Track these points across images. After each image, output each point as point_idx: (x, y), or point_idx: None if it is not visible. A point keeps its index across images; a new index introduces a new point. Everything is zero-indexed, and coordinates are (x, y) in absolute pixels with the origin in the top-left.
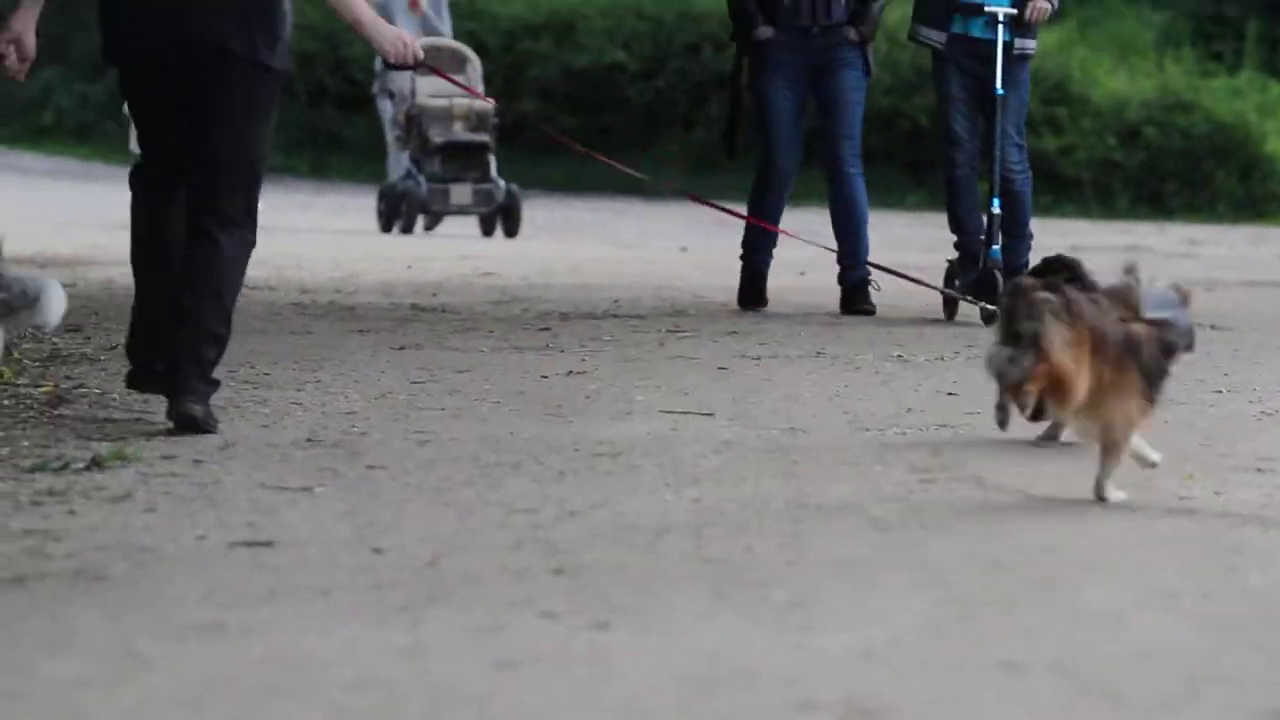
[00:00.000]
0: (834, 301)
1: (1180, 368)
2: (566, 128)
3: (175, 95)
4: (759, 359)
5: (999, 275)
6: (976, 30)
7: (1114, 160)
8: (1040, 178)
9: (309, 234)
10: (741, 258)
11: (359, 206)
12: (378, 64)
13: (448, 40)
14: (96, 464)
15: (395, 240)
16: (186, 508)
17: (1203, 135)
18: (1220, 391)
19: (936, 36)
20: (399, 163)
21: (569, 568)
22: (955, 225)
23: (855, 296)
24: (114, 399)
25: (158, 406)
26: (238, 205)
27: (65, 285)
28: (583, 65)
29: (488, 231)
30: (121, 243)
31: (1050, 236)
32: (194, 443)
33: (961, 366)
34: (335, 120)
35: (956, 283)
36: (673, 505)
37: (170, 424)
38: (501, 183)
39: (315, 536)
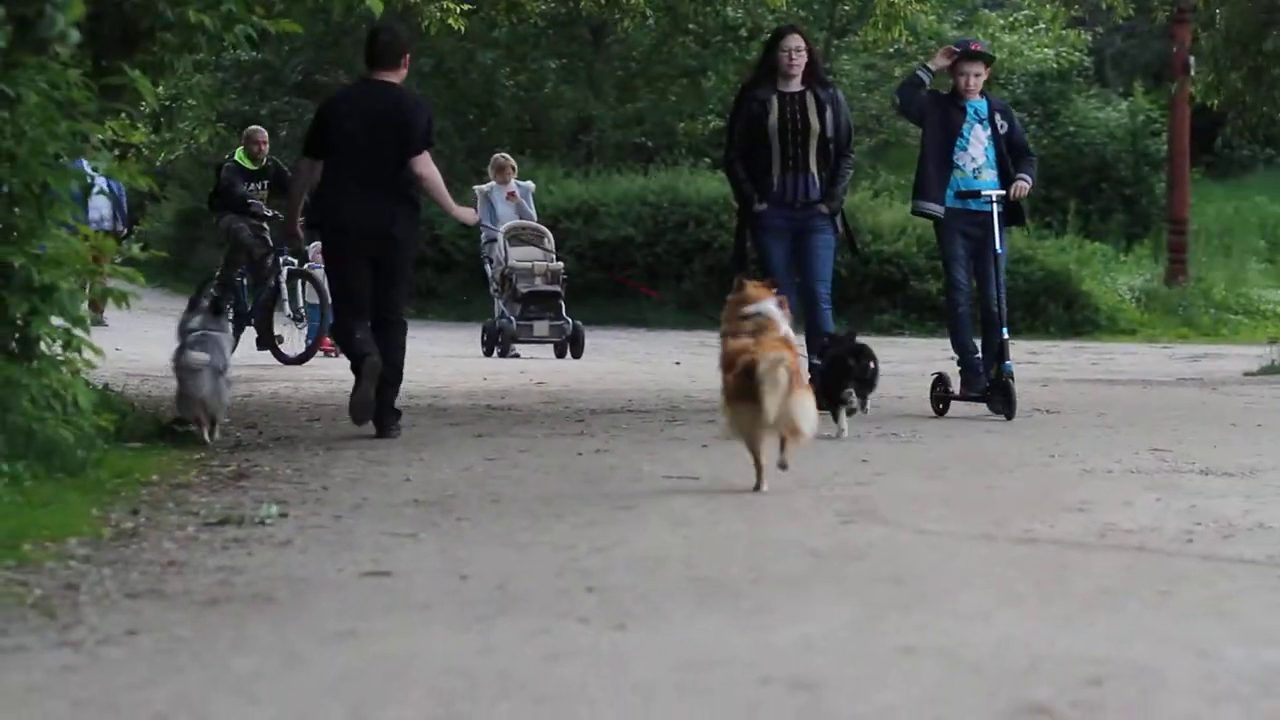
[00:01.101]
0: None
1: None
2: (591, 282)
3: (363, 256)
4: (731, 440)
5: (1012, 384)
6: (975, 205)
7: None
8: (925, 311)
9: (413, 357)
10: None
11: (449, 339)
12: (483, 238)
13: (533, 222)
14: (267, 519)
15: (477, 361)
16: (330, 549)
17: (1039, 279)
18: (1052, 456)
19: (936, 210)
20: (497, 307)
21: (598, 587)
22: (959, 348)
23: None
24: (280, 473)
25: (310, 477)
26: (400, 309)
27: (244, 396)
28: (604, 237)
29: (560, 355)
30: (282, 367)
31: (934, 350)
32: (335, 504)
33: (872, 442)
34: (432, 279)
35: (951, 389)
36: (670, 542)
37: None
38: (570, 320)
39: (420, 568)
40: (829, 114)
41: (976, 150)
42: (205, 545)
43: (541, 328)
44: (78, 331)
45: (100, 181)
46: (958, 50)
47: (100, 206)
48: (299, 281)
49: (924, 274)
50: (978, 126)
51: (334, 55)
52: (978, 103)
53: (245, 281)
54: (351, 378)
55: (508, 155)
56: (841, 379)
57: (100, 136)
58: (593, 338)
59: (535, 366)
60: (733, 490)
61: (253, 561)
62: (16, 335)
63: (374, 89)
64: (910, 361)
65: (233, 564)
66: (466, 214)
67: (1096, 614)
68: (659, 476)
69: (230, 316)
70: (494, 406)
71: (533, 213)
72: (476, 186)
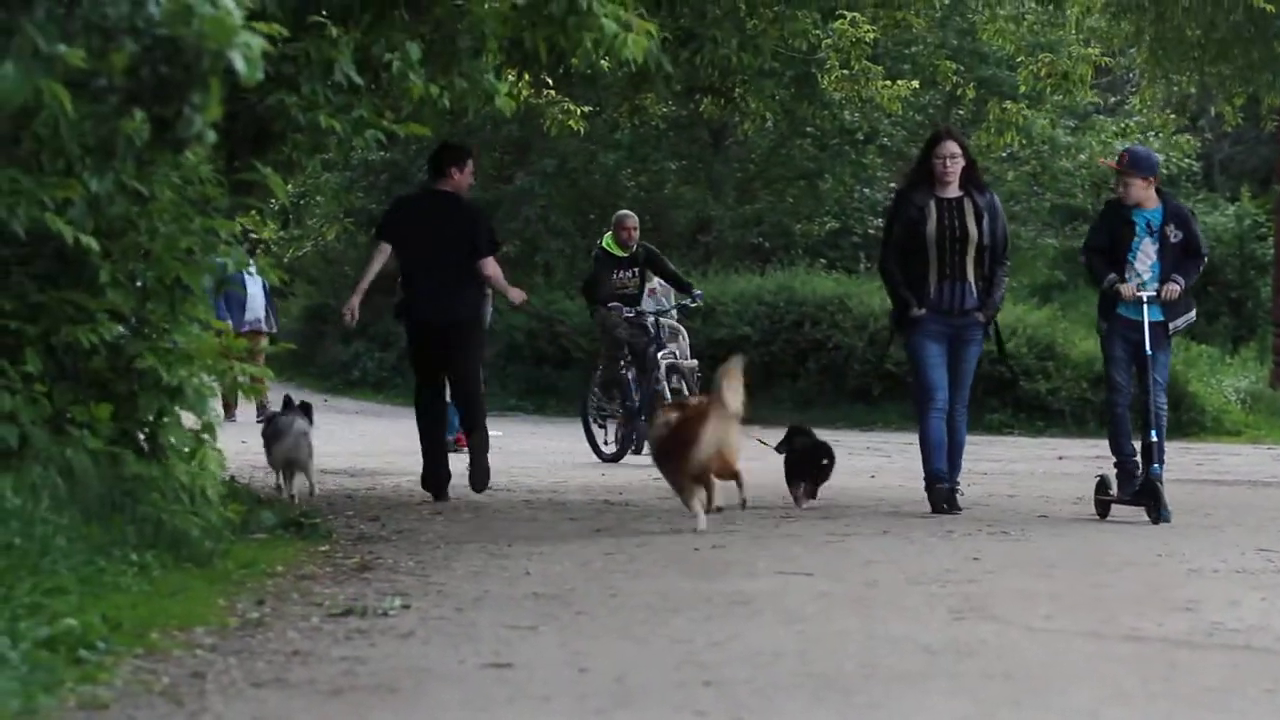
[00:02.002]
0: (895, 496)
1: (1135, 540)
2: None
3: (436, 342)
4: (843, 536)
5: (1161, 486)
6: (1131, 313)
7: (1086, 398)
8: (1034, 410)
9: (533, 454)
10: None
11: (568, 435)
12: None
13: (670, 321)
14: (390, 611)
15: (592, 456)
16: (452, 640)
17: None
18: (1159, 555)
19: (1102, 325)
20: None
21: (714, 680)
22: (1116, 450)
23: (950, 501)
24: (403, 566)
25: (432, 570)
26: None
27: (367, 489)
28: (721, 336)
29: None
30: (404, 460)
31: (1043, 450)
32: (457, 596)
33: (982, 540)
34: (551, 375)
35: (1111, 491)
36: (784, 637)
37: None
38: None
39: (540, 660)
40: (986, 221)
41: (1143, 265)
42: (329, 636)
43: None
44: (205, 436)
45: (256, 281)
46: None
47: (257, 307)
48: (673, 374)
49: (1034, 374)
50: (1146, 240)
51: None
52: (1150, 212)
53: (631, 375)
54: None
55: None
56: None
57: (232, 232)
58: None
59: (646, 462)
60: (846, 586)
61: (376, 652)
62: (147, 433)
63: (430, 198)
64: (1020, 460)
65: (356, 654)
66: (515, 294)
67: (1202, 712)
68: (773, 572)
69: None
70: (612, 502)
71: (672, 310)
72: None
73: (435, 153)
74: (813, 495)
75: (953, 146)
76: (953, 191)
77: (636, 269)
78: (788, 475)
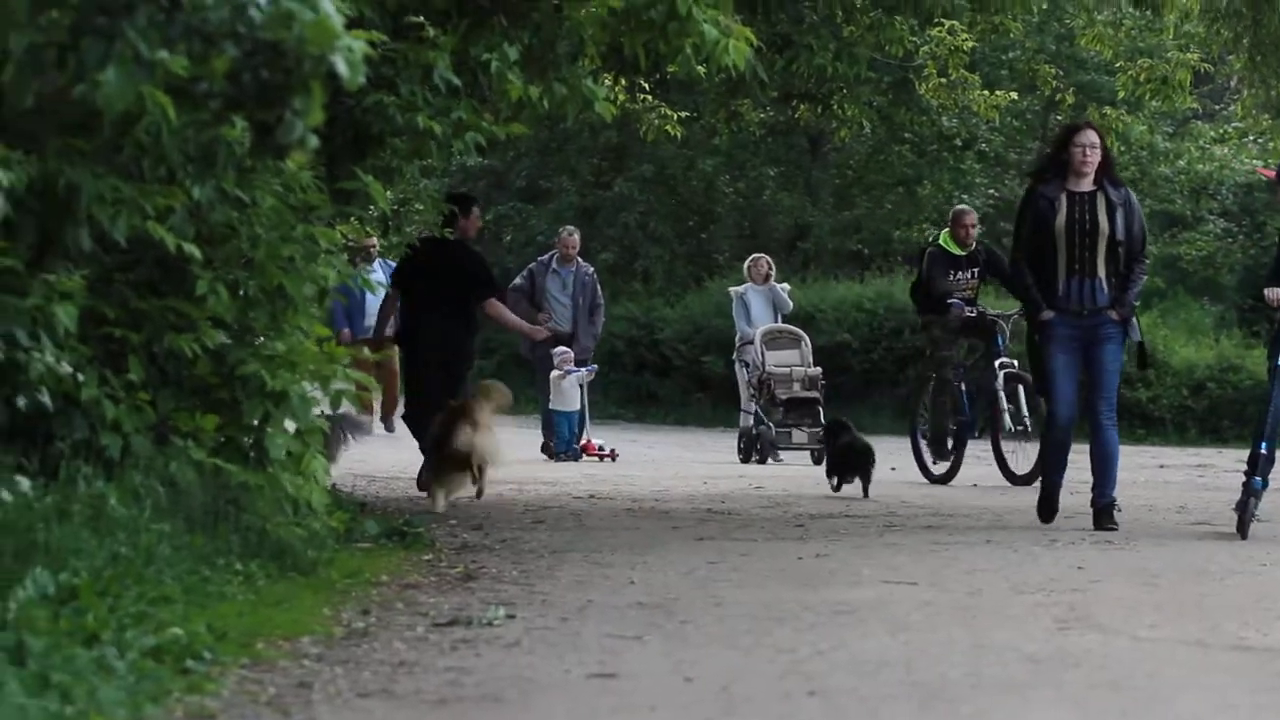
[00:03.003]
0: (999, 504)
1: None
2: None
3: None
4: (946, 545)
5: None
6: None
7: (1187, 405)
8: (1135, 418)
9: (635, 462)
10: (1041, 480)
11: (668, 442)
12: (738, 341)
13: (790, 325)
14: (494, 620)
15: (694, 463)
16: (556, 650)
17: (1248, 387)
18: (1264, 564)
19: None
20: (751, 412)
21: (819, 690)
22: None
23: (1103, 517)
24: (507, 575)
25: (536, 580)
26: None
27: (469, 498)
28: (821, 343)
29: (818, 462)
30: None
31: (1144, 459)
32: (561, 606)
33: (1086, 549)
34: (651, 383)
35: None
36: (889, 646)
37: None
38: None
39: (645, 670)
40: (1120, 216)
41: None
42: (434, 646)
43: (800, 435)
44: (309, 444)
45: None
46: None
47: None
48: (1018, 386)
49: (1135, 382)
50: None
51: (559, 161)
52: None
53: (964, 386)
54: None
55: (766, 256)
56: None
57: (333, 241)
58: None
59: (753, 471)
60: (950, 595)
61: (481, 662)
62: (251, 441)
63: (435, 246)
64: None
65: (462, 664)
66: (536, 331)
67: None
68: (878, 581)
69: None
70: (714, 510)
71: (789, 309)
72: (732, 289)
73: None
74: (864, 494)
75: (1092, 136)
76: (1087, 185)
77: (976, 269)
78: (827, 468)
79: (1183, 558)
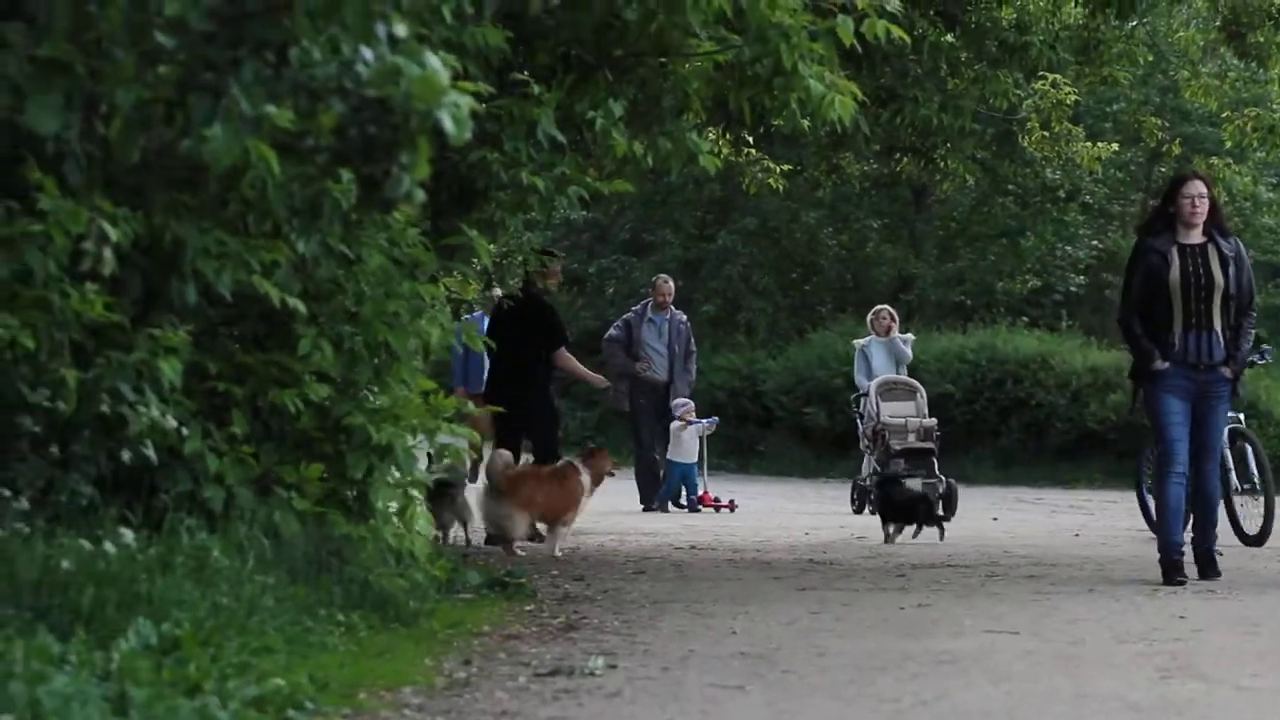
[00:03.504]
0: (1100, 554)
1: None
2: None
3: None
4: (1048, 595)
5: None
6: None
7: None
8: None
9: (738, 513)
10: (1161, 539)
11: (770, 493)
12: (858, 393)
13: (905, 377)
14: (596, 670)
15: (797, 514)
16: (658, 700)
17: None
18: None
19: None
20: (867, 464)
21: None
22: None
23: (1206, 565)
24: (608, 625)
25: (638, 630)
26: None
27: (571, 548)
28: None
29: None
30: (608, 520)
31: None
32: (662, 656)
33: (1188, 598)
34: (754, 434)
35: None
36: (992, 696)
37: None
38: (943, 478)
39: None
40: (1232, 269)
41: None
42: (536, 696)
43: (914, 485)
44: (414, 492)
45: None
46: None
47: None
48: (1245, 444)
49: None
50: None
51: (662, 214)
52: None
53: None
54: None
55: (888, 308)
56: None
57: (437, 297)
58: None
59: (854, 521)
60: (1052, 645)
61: (583, 712)
62: (354, 493)
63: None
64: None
65: (564, 714)
66: (596, 379)
67: None
68: (980, 631)
69: None
70: (816, 560)
71: (904, 369)
72: (855, 341)
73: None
74: (914, 534)
75: (1200, 186)
76: (1197, 237)
77: None
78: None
79: None
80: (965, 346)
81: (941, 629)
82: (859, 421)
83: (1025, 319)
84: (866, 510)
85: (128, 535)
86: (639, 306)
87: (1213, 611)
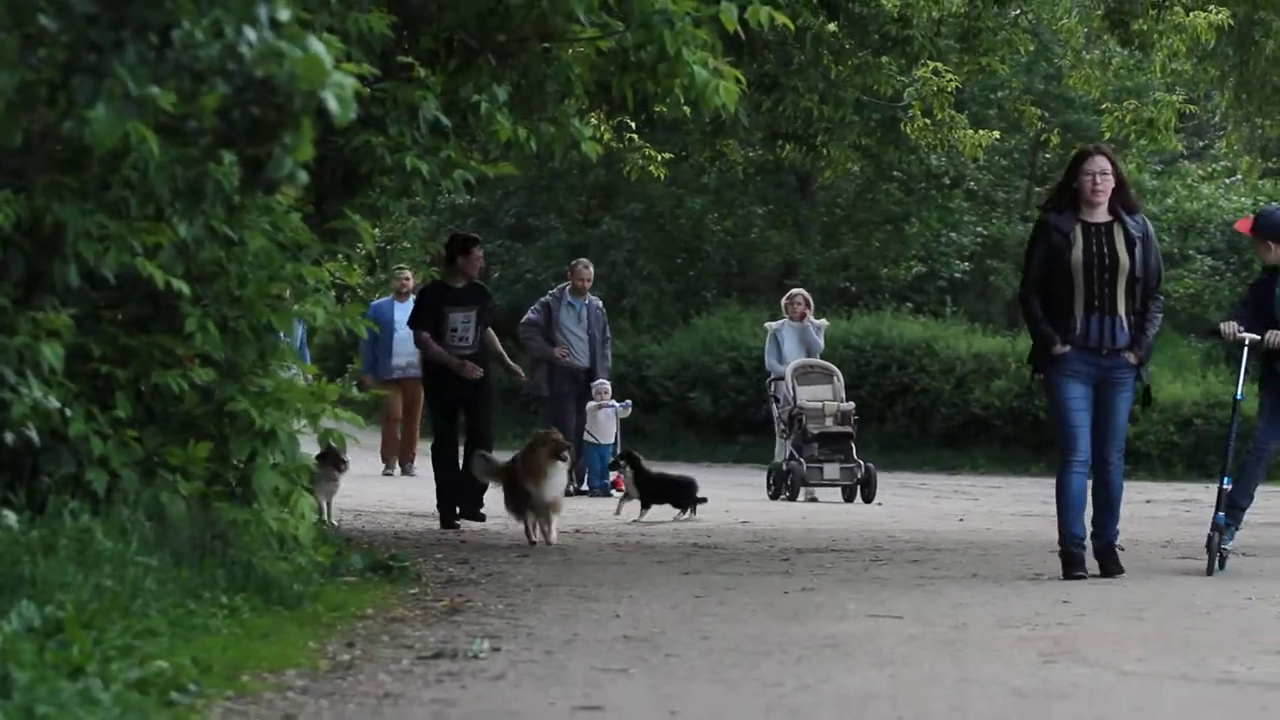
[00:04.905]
0: (983, 539)
1: (1224, 582)
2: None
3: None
4: (932, 579)
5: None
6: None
7: (1174, 441)
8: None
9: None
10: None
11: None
12: (771, 377)
13: (822, 361)
14: (480, 654)
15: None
16: (542, 683)
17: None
18: (1249, 599)
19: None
20: (783, 448)
21: None
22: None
23: (1107, 557)
24: (492, 608)
25: (522, 613)
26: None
27: (456, 534)
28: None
29: (849, 499)
30: (491, 504)
31: (1130, 494)
32: (546, 639)
33: (1072, 583)
34: (640, 419)
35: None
36: (875, 680)
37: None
38: (861, 462)
39: (630, 704)
40: (1139, 249)
41: None
42: (420, 678)
43: (832, 470)
44: (297, 480)
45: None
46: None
47: (408, 351)
48: None
49: None
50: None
51: (547, 199)
52: None
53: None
54: None
55: (803, 292)
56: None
57: (320, 279)
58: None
59: (738, 506)
60: (936, 629)
61: (466, 695)
62: (238, 477)
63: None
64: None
65: (447, 697)
66: (517, 370)
67: None
68: (864, 615)
69: None
70: (700, 545)
71: (818, 351)
72: (768, 324)
73: (448, 243)
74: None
75: (1103, 162)
76: (1101, 215)
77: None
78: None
79: (1168, 592)
80: (850, 332)
81: (825, 613)
82: (774, 406)
83: (910, 305)
84: (783, 496)
85: (10, 517)
86: (555, 290)
87: (1096, 596)
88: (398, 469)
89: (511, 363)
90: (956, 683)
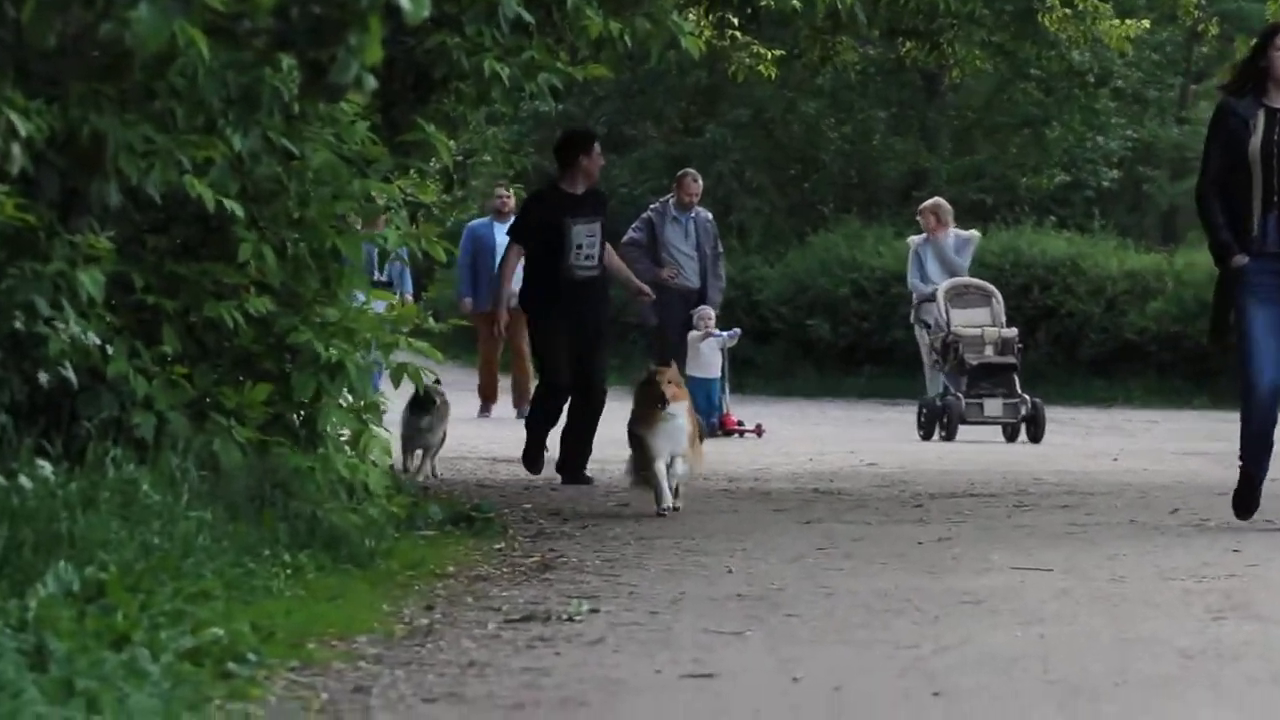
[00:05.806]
0: (1141, 480)
1: None
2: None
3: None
4: (1085, 527)
5: None
6: None
7: None
8: None
9: (729, 437)
10: (1240, 465)
11: (769, 414)
12: (914, 299)
13: (975, 280)
14: (576, 615)
15: (798, 439)
16: (646, 648)
17: None
18: None
19: None
20: (935, 381)
21: (944, 690)
22: None
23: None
24: (588, 564)
25: (622, 569)
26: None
27: (547, 481)
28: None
29: (1011, 439)
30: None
31: None
32: (650, 598)
33: (1244, 531)
34: (749, 349)
35: None
36: (1022, 640)
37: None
38: (1027, 397)
39: (746, 669)
40: None
41: None
42: (508, 644)
43: (994, 406)
44: (368, 420)
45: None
46: None
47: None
48: None
49: None
50: None
51: (642, 104)
52: None
53: None
54: None
55: (943, 201)
56: None
57: (393, 197)
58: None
59: (863, 447)
60: (1090, 583)
61: (561, 662)
62: (301, 418)
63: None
64: None
65: (539, 665)
66: (644, 289)
67: None
68: (1008, 567)
69: None
70: (822, 490)
71: (965, 268)
72: (911, 238)
73: (563, 142)
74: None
75: None
76: None
77: None
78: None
79: None
80: (986, 249)
81: (965, 566)
82: (923, 332)
83: (1053, 218)
84: (937, 435)
85: (46, 468)
86: (658, 204)
87: (1271, 545)
88: (499, 411)
89: (639, 282)
90: (1114, 643)
